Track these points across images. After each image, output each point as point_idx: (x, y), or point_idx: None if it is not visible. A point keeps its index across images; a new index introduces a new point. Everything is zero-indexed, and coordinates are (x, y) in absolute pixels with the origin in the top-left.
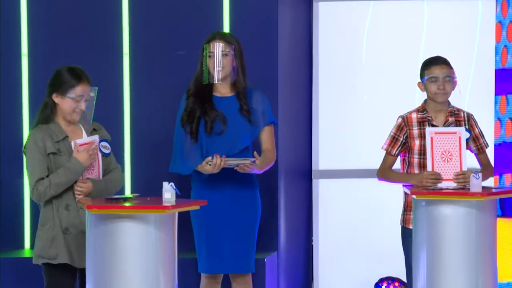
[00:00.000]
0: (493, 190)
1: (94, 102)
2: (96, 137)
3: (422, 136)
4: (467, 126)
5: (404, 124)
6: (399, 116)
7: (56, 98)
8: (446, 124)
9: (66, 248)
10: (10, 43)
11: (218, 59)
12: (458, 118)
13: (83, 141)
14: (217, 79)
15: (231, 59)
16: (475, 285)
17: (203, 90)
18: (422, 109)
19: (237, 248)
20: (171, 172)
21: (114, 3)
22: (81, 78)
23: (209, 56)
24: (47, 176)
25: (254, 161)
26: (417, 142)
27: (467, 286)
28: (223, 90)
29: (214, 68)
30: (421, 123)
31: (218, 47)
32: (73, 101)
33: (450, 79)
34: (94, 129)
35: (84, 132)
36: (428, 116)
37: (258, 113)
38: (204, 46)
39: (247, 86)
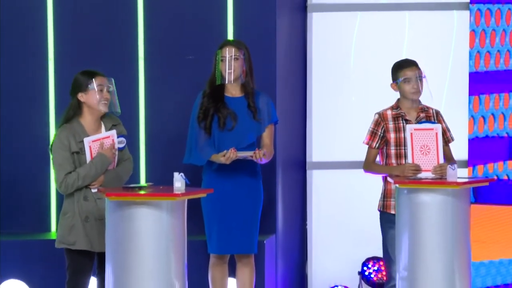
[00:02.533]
0: (467, 180)
1: (115, 90)
2: (112, 132)
3: (397, 130)
4: (435, 121)
5: (380, 119)
6: (376, 113)
7: (82, 97)
8: (418, 119)
9: (85, 235)
10: (37, 49)
11: (230, 63)
12: (428, 114)
13: (95, 137)
14: (229, 80)
15: (241, 63)
16: (451, 264)
17: (216, 91)
18: (396, 107)
19: (242, 231)
20: (186, 163)
21: (130, 13)
22: (94, 73)
23: (222, 60)
24: (73, 170)
25: (264, 153)
26: (392, 135)
27: (444, 264)
28: (233, 91)
29: (225, 70)
30: (396, 118)
31: (229, 52)
32: (97, 92)
33: (421, 78)
34: (113, 125)
35: (103, 129)
36: (402, 112)
37: (264, 113)
38: (217, 52)
39: (255, 89)
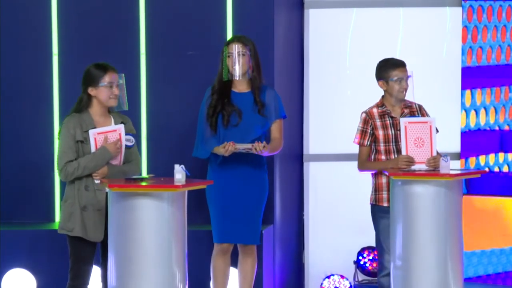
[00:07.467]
0: (459, 172)
1: (124, 86)
2: (119, 127)
3: (384, 127)
4: (419, 115)
5: (368, 117)
6: (363, 112)
7: (92, 91)
8: (403, 115)
9: (82, 223)
10: (42, 44)
11: (237, 59)
12: (412, 109)
13: (101, 130)
14: (236, 76)
15: (247, 58)
16: (443, 253)
17: (223, 87)
18: (381, 104)
19: (246, 222)
20: (194, 156)
21: (132, 9)
22: (106, 68)
23: (228, 56)
24: (76, 159)
25: (264, 145)
26: (381, 132)
27: (437, 254)
28: (240, 86)
29: (232, 66)
30: (382, 116)
31: (236, 48)
32: (107, 88)
33: (407, 78)
34: (122, 122)
35: (113, 124)
36: (387, 110)
37: (271, 108)
38: (224, 48)
39: (263, 83)
